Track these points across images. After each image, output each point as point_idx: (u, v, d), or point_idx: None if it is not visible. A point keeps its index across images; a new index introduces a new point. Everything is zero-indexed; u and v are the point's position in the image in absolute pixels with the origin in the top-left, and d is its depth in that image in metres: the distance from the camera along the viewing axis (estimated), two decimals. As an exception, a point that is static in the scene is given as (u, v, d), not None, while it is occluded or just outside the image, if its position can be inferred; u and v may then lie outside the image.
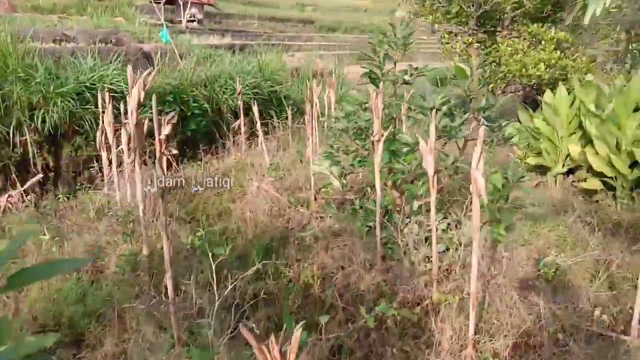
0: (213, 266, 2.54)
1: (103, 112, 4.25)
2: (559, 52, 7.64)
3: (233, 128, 6.52)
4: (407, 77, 3.75)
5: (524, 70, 7.86)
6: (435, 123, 3.11)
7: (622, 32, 9.31)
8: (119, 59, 6.88)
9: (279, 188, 5.32)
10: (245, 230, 4.63)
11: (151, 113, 6.04)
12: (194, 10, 30.52)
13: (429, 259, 3.73)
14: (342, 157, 4.22)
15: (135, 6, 24.90)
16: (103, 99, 4.21)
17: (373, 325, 2.79)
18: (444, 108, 3.63)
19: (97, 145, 4.53)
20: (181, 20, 29.62)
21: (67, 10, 25.83)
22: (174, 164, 6.35)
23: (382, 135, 3.37)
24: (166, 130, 2.41)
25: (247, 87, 7.95)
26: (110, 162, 4.40)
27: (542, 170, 6.50)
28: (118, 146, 4.49)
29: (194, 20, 30.21)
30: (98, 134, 4.44)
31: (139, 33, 17.06)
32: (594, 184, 5.61)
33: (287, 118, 7.79)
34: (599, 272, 3.66)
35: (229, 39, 25.13)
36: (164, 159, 2.49)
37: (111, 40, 15.23)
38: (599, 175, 5.59)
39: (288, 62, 13.71)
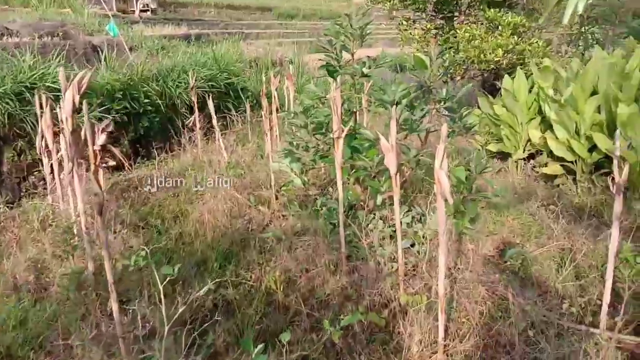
0: (161, 287, 2.33)
1: (42, 115, 3.92)
2: (516, 37, 7.64)
3: (187, 124, 6.23)
4: (365, 70, 3.59)
5: (482, 55, 7.84)
6: (395, 118, 2.97)
7: (575, 15, 9.41)
8: (62, 54, 6.45)
9: (238, 186, 5.11)
10: (203, 234, 4.41)
11: (99, 113, 5.68)
12: (147, -1, 29.46)
13: (395, 257, 3.62)
14: (302, 153, 4.05)
15: (83, -4, 23.81)
16: (41, 101, 3.89)
17: (338, 339, 2.64)
18: (405, 101, 3.49)
19: (38, 151, 4.20)
20: (134, 10, 28.59)
21: (10, 1, 24.45)
22: (127, 164, 6.05)
23: (342, 132, 3.21)
24: (100, 139, 2.17)
25: (202, 80, 7.63)
26: (52, 169, 4.08)
27: (503, 156, 6.51)
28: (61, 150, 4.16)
29: (147, 10, 29.19)
30: (37, 138, 4.11)
31: (88, 25, 16.29)
32: (554, 169, 5.63)
33: (245, 111, 7.56)
34: (564, 261, 3.63)
35: (184, 29, 24.39)
36: (100, 172, 2.24)
37: (58, 34, 14.48)
38: (559, 159, 5.62)
39: (246, 51, 13.37)
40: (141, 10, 29.02)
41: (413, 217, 4.14)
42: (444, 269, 2.40)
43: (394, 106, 3.13)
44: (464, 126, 4.24)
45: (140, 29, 19.77)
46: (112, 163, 2.25)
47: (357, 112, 3.99)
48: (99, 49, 11.03)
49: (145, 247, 2.50)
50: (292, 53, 14.44)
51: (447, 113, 4.17)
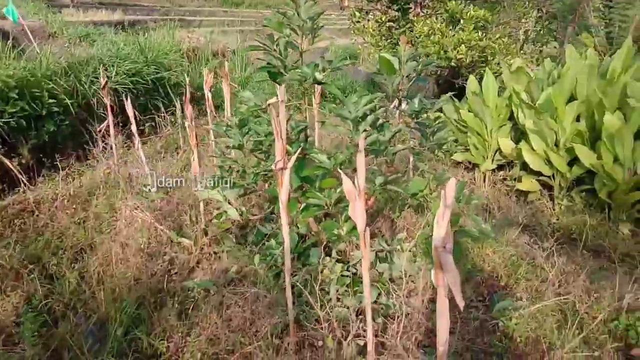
0: None
1: None
2: (479, 32, 6.97)
3: (100, 130, 5.13)
4: (319, 76, 2.71)
5: (442, 52, 7.13)
6: (362, 145, 2.12)
7: (534, 9, 8.94)
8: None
9: (160, 212, 4.12)
10: (110, 280, 3.42)
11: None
12: (79, -19, 27.31)
13: (358, 314, 2.80)
14: (237, 180, 3.13)
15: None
16: None
17: None
18: (370, 117, 2.65)
19: None
20: (64, -8, 26.38)
21: None
22: (23, 178, 4.90)
23: (288, 161, 2.33)
24: None
25: (124, 75, 6.51)
26: None
27: (470, 166, 5.84)
28: None
29: (79, -7, 27.02)
30: None
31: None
32: (530, 185, 4.98)
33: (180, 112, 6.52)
34: (565, 315, 2.92)
35: (119, 15, 22.56)
36: None
37: (-40, 17, 12.66)
38: (535, 173, 4.97)
39: (186, 40, 12.17)
40: (72, -7, 26.80)
41: (377, 255, 3.33)
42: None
43: (359, 129, 2.27)
44: (436, 143, 3.47)
45: (70, 13, 17.95)
46: None
47: (308, 129, 3.10)
48: (12, 37, 9.55)
49: None
50: (236, 43, 13.34)
51: (418, 127, 3.37)
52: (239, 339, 2.66)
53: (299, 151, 2.52)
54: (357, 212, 1.94)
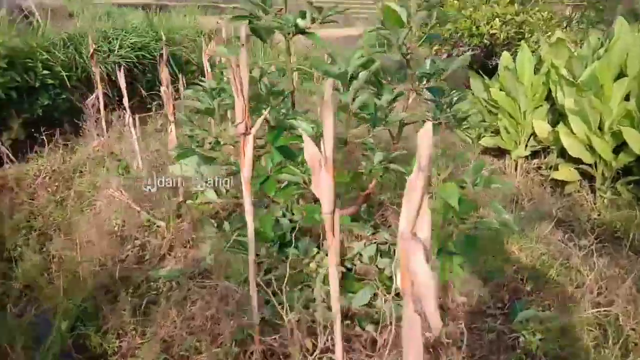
0: None
1: None
2: (515, 5, 6.29)
3: (85, 103, 4.74)
4: (301, 23, 2.18)
5: (474, 28, 6.47)
6: (330, 99, 1.59)
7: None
8: None
9: (142, 193, 3.68)
10: (73, 265, 3.01)
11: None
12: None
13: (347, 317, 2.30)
14: (208, 152, 2.65)
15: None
16: None
17: None
18: (363, 75, 2.11)
19: None
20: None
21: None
22: (9, 153, 4.58)
23: (250, 125, 1.82)
24: None
25: (129, 49, 6.13)
26: None
27: (500, 153, 5.20)
28: None
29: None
30: None
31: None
32: (568, 174, 4.33)
33: (183, 87, 6.12)
34: (606, 332, 2.33)
35: (150, -2, 22.43)
36: None
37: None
38: (574, 161, 4.32)
39: (215, 23, 11.84)
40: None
41: (378, 247, 2.81)
42: None
43: (350, 89, 1.75)
44: (454, 116, 2.89)
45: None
46: None
47: (294, 93, 2.58)
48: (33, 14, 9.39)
49: None
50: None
51: (430, 96, 2.81)
52: (194, 344, 2.19)
53: (263, 117, 2.01)
54: (322, 185, 1.42)
